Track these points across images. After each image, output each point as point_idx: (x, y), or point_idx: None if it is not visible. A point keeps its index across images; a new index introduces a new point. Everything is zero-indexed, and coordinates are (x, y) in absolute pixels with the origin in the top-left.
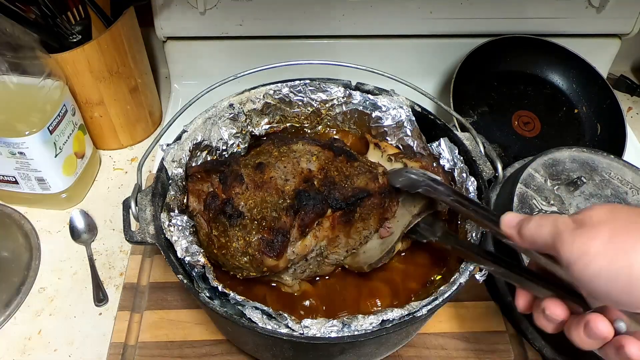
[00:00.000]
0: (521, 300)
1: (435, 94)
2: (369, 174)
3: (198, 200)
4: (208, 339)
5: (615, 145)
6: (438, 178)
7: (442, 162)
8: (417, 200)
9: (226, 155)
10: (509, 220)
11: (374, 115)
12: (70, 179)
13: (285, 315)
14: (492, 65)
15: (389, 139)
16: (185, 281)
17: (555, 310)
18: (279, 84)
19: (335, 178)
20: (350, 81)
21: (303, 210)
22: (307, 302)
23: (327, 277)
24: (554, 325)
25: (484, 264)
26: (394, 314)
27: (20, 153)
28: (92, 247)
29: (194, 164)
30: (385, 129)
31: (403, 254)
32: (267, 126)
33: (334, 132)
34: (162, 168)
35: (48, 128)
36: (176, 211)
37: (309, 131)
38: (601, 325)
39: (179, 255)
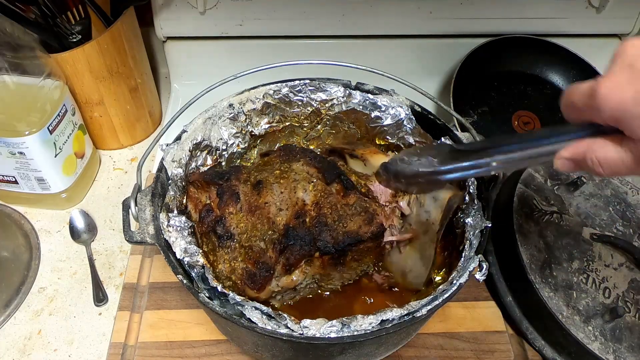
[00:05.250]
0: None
1: (435, 94)
2: (364, 214)
3: (195, 210)
4: (208, 339)
5: None
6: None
7: None
8: (432, 216)
9: (226, 155)
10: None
11: (373, 115)
12: (70, 179)
13: (285, 315)
14: (492, 65)
15: (389, 137)
16: (184, 281)
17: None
18: (279, 84)
19: (328, 217)
20: (350, 81)
21: (289, 250)
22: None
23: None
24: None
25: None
26: (394, 313)
27: (20, 153)
28: (92, 247)
29: (194, 164)
30: (385, 128)
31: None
32: (267, 126)
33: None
34: (161, 168)
35: (48, 128)
36: (175, 211)
37: (309, 131)
38: None
39: (177, 256)
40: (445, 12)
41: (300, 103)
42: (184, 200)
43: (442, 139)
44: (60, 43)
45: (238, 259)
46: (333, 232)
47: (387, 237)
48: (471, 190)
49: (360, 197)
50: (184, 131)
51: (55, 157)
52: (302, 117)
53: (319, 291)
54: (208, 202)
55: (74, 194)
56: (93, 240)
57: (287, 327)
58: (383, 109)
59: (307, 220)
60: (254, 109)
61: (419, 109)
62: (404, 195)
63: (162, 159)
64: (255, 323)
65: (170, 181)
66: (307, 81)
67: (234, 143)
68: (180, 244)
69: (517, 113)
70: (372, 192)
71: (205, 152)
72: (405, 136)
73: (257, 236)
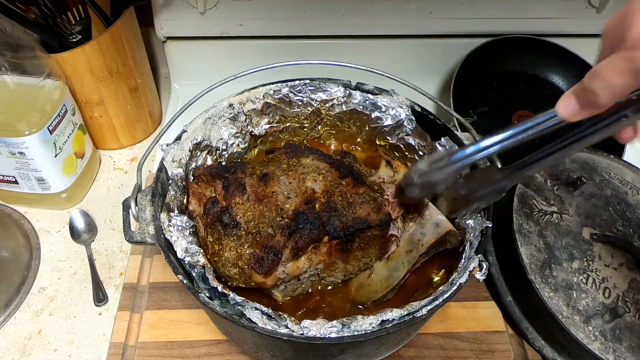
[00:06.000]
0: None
1: (435, 94)
2: (373, 203)
3: (199, 203)
4: (208, 339)
5: (615, 145)
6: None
7: None
8: (425, 238)
9: (226, 155)
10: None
11: (373, 115)
12: (70, 179)
13: (285, 316)
14: (492, 65)
15: (389, 138)
16: (185, 281)
17: None
18: (279, 84)
19: (338, 204)
20: (350, 81)
21: (298, 233)
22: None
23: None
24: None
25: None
26: (394, 314)
27: (20, 153)
28: (92, 247)
29: (194, 164)
30: (385, 128)
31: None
32: (267, 126)
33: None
34: (162, 168)
35: (48, 128)
36: (176, 211)
37: (310, 131)
38: None
39: (178, 255)
40: (445, 12)
41: (300, 103)
42: (185, 200)
43: (442, 139)
44: (60, 43)
45: (245, 245)
46: (342, 218)
47: (392, 230)
48: None
49: (369, 189)
50: (184, 131)
51: (55, 157)
52: (303, 117)
53: (318, 286)
54: (213, 194)
55: (74, 194)
56: (93, 240)
57: (287, 327)
58: (383, 110)
59: (317, 206)
60: (254, 109)
61: (419, 109)
62: (412, 215)
63: (162, 159)
64: (255, 323)
65: (170, 181)
66: (307, 81)
67: (234, 143)
68: (182, 243)
69: (517, 113)
70: (385, 193)
71: (205, 152)
72: (406, 137)
73: (264, 223)
